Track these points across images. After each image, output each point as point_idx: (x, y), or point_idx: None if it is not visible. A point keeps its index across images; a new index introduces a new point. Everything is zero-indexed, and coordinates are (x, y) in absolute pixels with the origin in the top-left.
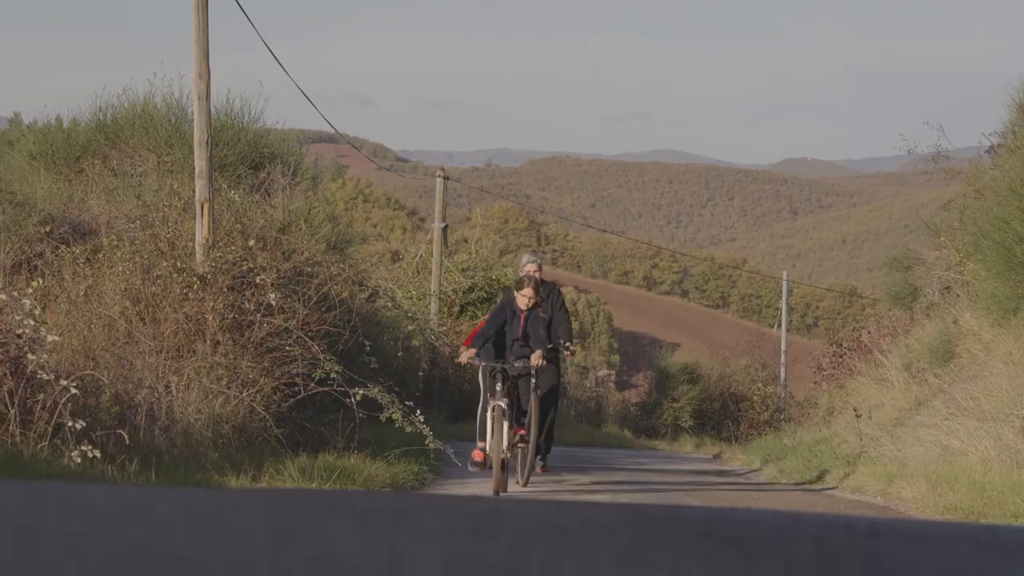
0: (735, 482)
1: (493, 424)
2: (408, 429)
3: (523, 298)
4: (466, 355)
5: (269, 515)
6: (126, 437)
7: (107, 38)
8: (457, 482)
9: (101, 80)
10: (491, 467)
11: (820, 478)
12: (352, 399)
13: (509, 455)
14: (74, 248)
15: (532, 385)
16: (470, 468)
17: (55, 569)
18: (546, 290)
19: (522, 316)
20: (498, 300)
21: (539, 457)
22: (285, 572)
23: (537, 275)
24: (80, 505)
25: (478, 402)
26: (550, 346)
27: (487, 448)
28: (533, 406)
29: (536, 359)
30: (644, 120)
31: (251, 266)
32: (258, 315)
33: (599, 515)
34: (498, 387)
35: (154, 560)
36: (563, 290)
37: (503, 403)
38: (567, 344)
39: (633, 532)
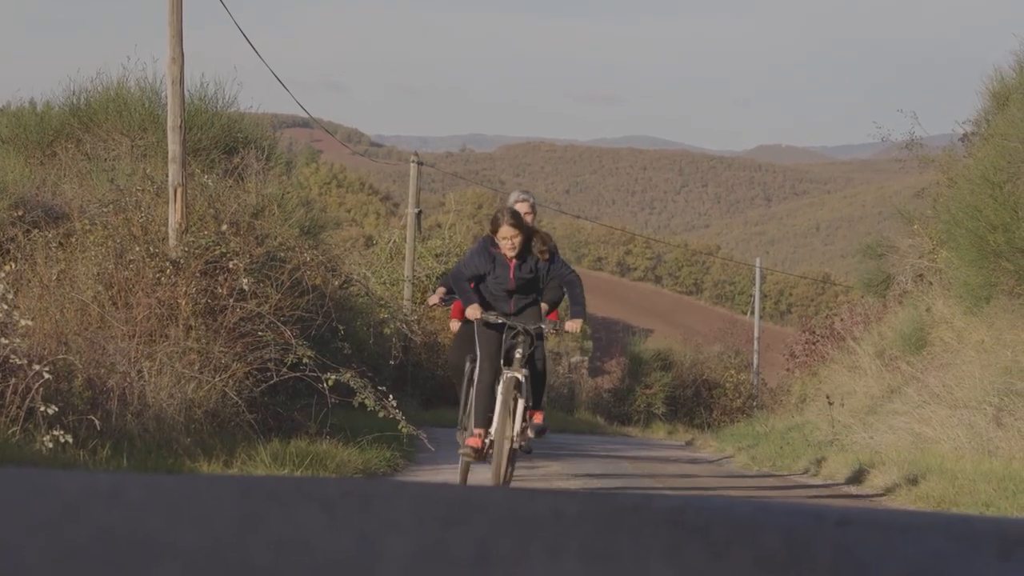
0: (707, 470)
1: (504, 400)
2: (381, 414)
3: (504, 242)
4: (438, 295)
5: (239, 501)
6: (97, 423)
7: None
8: (430, 468)
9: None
10: (490, 457)
11: (792, 466)
12: (325, 384)
13: (520, 443)
14: (46, 232)
15: (534, 355)
16: (463, 457)
17: (24, 553)
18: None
19: (511, 264)
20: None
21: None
22: (253, 558)
23: (530, 217)
24: (51, 490)
25: (457, 385)
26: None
27: (491, 432)
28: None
29: (574, 326)
30: (619, 104)
31: (224, 251)
32: (231, 300)
33: (569, 504)
34: (518, 353)
35: (123, 545)
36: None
37: (521, 374)
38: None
39: (602, 522)
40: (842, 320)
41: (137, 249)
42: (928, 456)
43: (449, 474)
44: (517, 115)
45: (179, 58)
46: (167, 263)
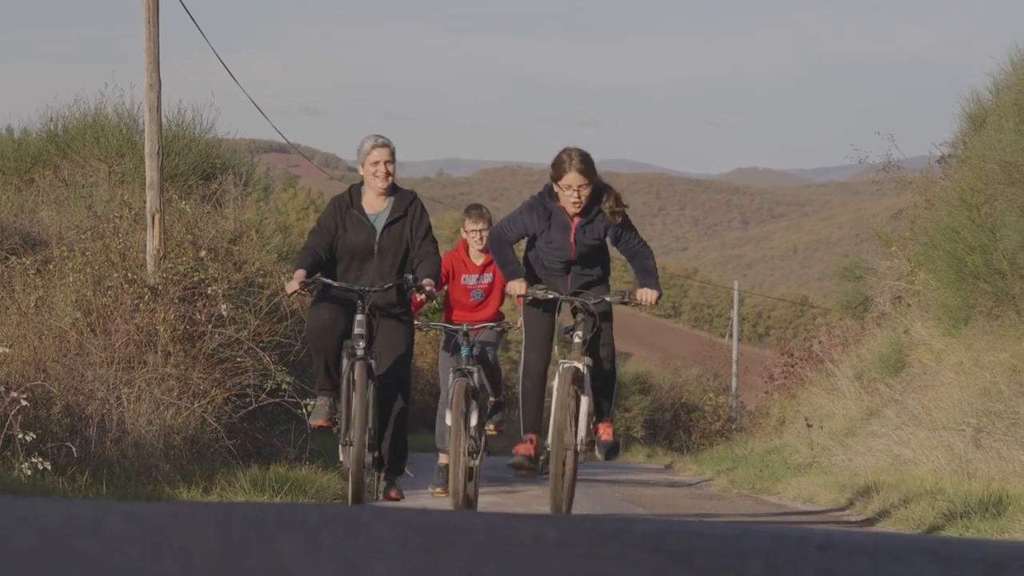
0: (686, 493)
1: (560, 398)
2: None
3: (569, 193)
4: (297, 280)
5: (219, 530)
6: (75, 450)
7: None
8: (410, 493)
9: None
10: (546, 472)
11: (772, 488)
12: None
13: (584, 455)
14: (24, 259)
15: (598, 341)
16: (515, 471)
17: None
18: (407, 200)
19: (573, 224)
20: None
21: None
22: None
23: (391, 169)
24: (32, 519)
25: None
26: (422, 286)
27: (546, 442)
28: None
29: (649, 296)
30: (596, 128)
31: (202, 277)
32: (209, 326)
33: (550, 529)
34: (577, 336)
35: (105, 575)
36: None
37: (583, 364)
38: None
39: (585, 547)
40: (820, 342)
41: (115, 276)
42: (908, 478)
43: (429, 499)
44: (495, 139)
45: (156, 84)
46: (145, 289)
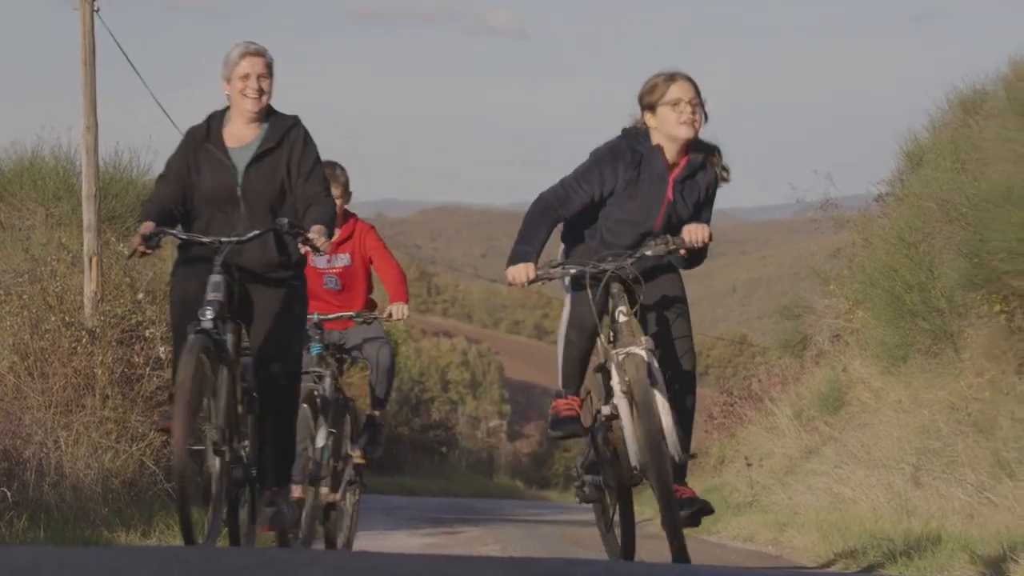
0: None
1: (628, 405)
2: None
3: (679, 113)
4: (140, 235)
5: (157, 574)
6: (10, 495)
7: None
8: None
9: None
10: (582, 423)
11: (711, 527)
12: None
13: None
14: None
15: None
16: (553, 433)
17: None
18: (284, 126)
19: (671, 177)
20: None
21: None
22: None
23: (266, 86)
24: None
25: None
26: (305, 236)
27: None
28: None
29: (698, 233)
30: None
31: (140, 320)
32: (147, 369)
33: (492, 571)
34: (621, 311)
35: None
36: (453, 342)
37: (645, 349)
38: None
39: None
40: (760, 381)
41: (53, 319)
42: (847, 516)
43: (368, 540)
44: (433, 179)
45: (94, 126)
46: (83, 332)
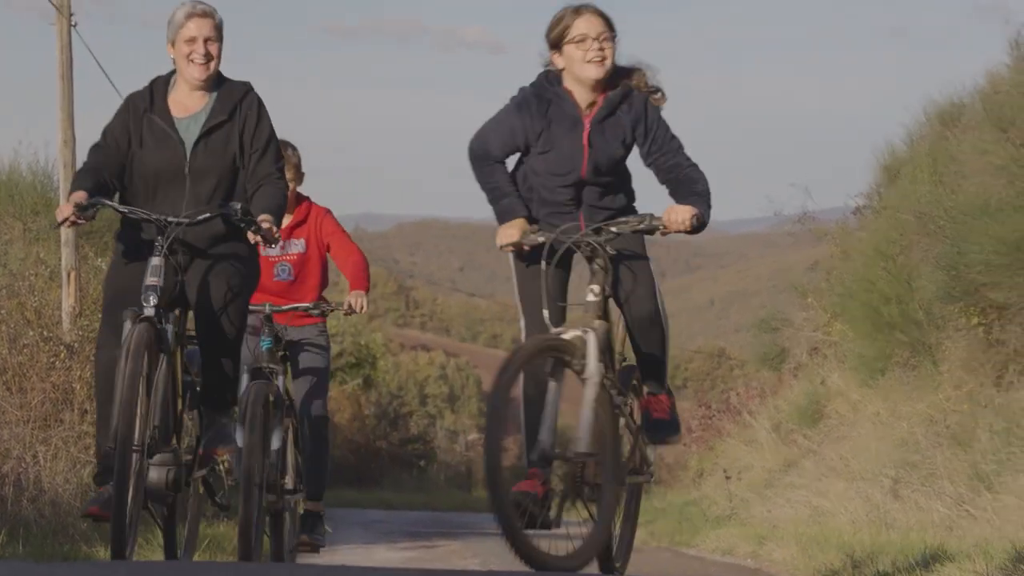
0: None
1: (591, 400)
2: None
3: (588, 50)
4: (72, 204)
5: None
6: None
7: None
8: (327, 549)
9: None
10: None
11: (691, 540)
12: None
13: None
14: None
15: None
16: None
17: None
18: (235, 95)
19: (587, 119)
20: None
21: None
22: None
23: (215, 51)
24: None
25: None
26: (245, 217)
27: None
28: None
29: (679, 216)
30: None
31: None
32: None
33: None
34: (592, 291)
35: None
36: (432, 355)
37: (592, 333)
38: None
39: None
40: (738, 394)
41: (31, 334)
42: (826, 529)
43: (346, 554)
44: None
45: (71, 141)
46: (61, 347)
